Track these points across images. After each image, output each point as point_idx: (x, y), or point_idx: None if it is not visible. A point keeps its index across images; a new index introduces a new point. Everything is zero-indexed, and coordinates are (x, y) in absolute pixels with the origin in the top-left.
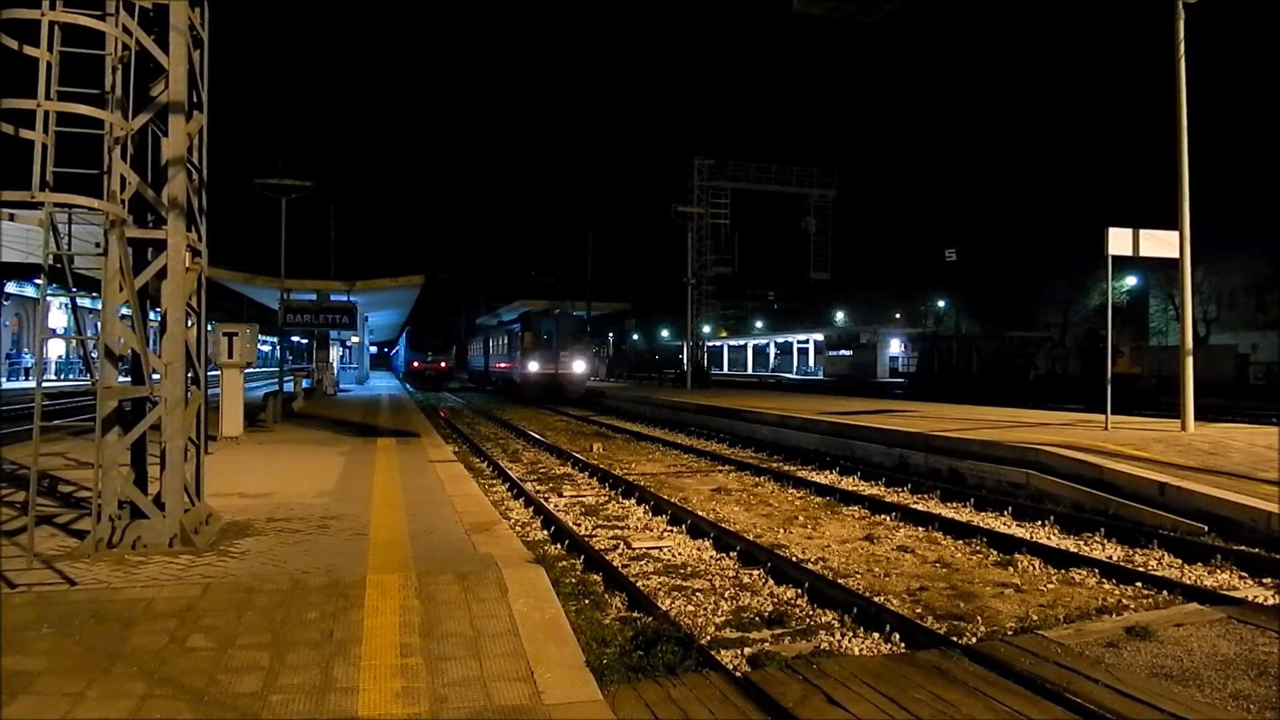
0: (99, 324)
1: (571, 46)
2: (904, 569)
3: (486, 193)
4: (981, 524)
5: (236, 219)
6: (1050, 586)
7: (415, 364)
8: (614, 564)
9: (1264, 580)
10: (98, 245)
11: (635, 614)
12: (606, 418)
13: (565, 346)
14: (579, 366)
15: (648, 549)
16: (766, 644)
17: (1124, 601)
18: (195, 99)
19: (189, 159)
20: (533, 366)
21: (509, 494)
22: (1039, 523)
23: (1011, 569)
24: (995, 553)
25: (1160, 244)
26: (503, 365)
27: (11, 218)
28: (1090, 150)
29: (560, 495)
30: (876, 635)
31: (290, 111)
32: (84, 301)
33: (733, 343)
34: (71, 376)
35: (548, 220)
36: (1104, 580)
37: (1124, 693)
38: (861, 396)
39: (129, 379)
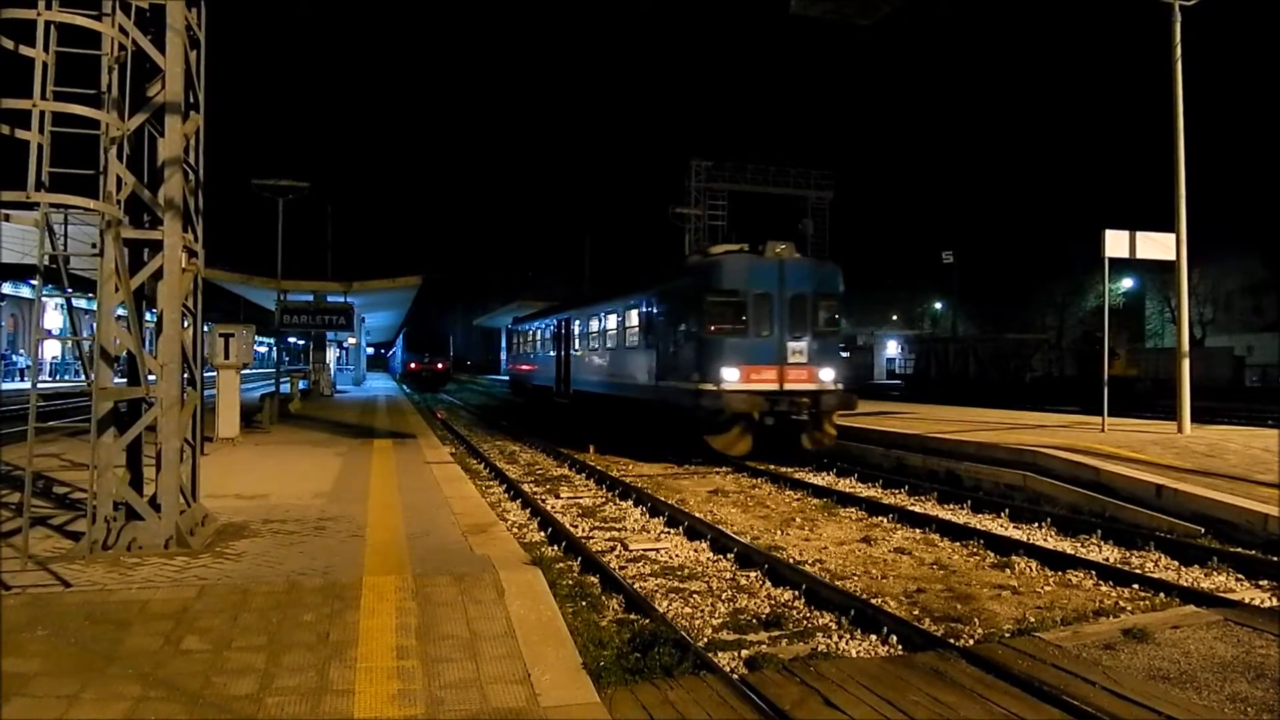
0: (95, 325)
1: (570, 47)
2: (901, 571)
3: (484, 194)
4: (979, 526)
5: (233, 220)
6: (1047, 588)
7: (412, 365)
8: (611, 566)
9: (1260, 582)
10: (94, 246)
11: (632, 616)
12: None
13: (801, 329)
14: (828, 373)
15: (645, 551)
16: (764, 646)
17: (1121, 603)
18: (192, 99)
19: (185, 159)
20: (728, 374)
21: (506, 495)
22: (1036, 525)
23: (1009, 571)
24: (992, 555)
25: (1157, 246)
26: (628, 374)
27: (7, 218)
28: (1088, 153)
29: (557, 497)
30: (874, 637)
31: (287, 112)
32: (80, 302)
33: None
34: (66, 377)
35: (545, 222)
36: (1101, 582)
37: (1121, 695)
38: (858, 398)
39: (125, 380)
